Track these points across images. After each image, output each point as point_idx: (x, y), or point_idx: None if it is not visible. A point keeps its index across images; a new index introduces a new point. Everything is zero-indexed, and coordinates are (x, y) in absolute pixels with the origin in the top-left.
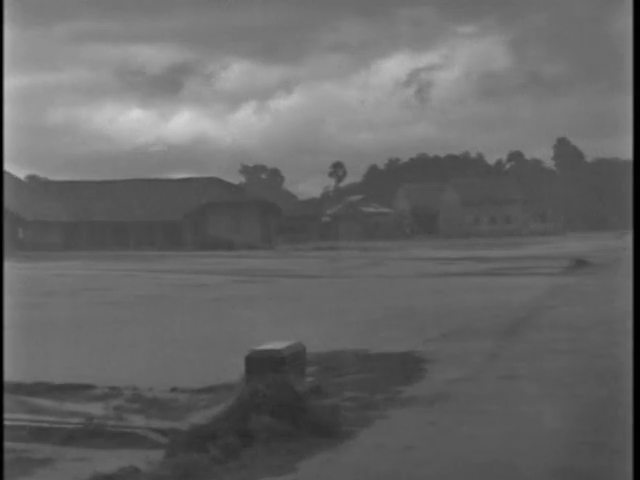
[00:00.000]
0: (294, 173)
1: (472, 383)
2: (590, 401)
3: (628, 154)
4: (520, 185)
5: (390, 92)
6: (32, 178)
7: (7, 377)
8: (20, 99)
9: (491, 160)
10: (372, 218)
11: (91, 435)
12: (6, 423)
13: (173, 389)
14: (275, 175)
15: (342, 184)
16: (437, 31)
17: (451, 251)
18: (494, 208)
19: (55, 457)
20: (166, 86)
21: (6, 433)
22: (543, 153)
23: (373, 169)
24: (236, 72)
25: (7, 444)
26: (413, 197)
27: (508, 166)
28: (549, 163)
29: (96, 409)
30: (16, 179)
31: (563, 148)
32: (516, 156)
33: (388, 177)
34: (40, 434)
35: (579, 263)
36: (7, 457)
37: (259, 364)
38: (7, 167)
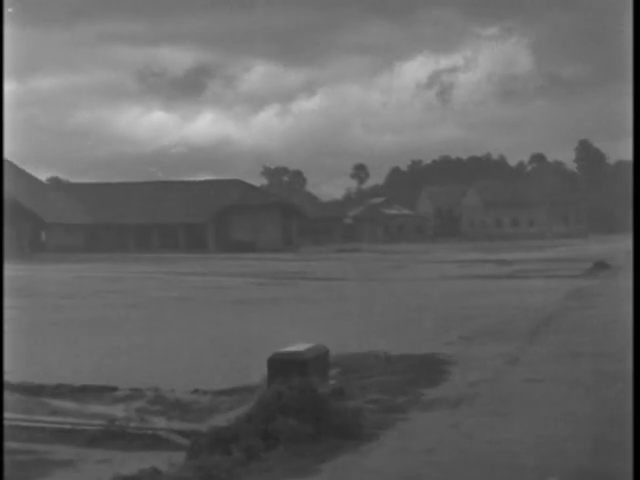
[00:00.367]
0: (316, 175)
1: (494, 385)
2: (613, 404)
3: None
4: (542, 187)
5: (412, 94)
6: (54, 180)
7: (30, 379)
8: (42, 101)
9: (513, 162)
10: (394, 220)
11: (113, 437)
12: (29, 424)
13: (195, 391)
14: (297, 177)
15: (364, 186)
16: (459, 33)
17: (473, 254)
18: (517, 211)
19: (77, 459)
20: (189, 88)
21: (28, 434)
22: (565, 155)
23: (395, 171)
24: (258, 74)
25: (29, 445)
26: (436, 199)
27: (530, 168)
28: (571, 165)
29: (118, 411)
30: (38, 181)
31: (585, 150)
32: (538, 158)
33: (410, 179)
34: (62, 436)
35: (601, 265)
36: (29, 458)
37: (281, 366)
38: (29, 169)
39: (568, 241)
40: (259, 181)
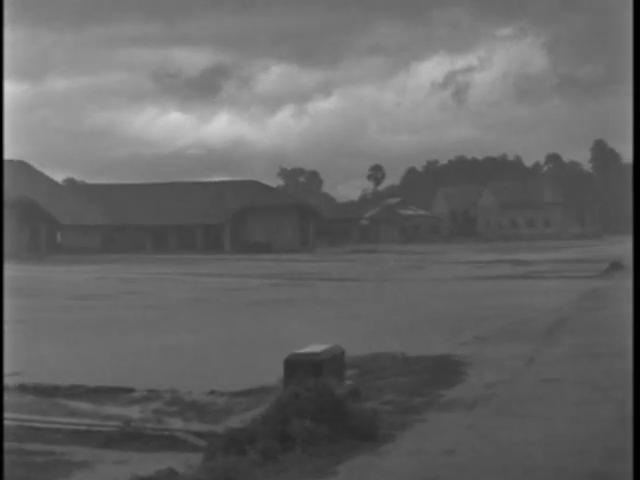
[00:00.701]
0: (332, 176)
1: (510, 386)
2: (630, 405)
3: None
4: (558, 188)
5: (428, 94)
6: (69, 181)
7: (47, 380)
8: (58, 103)
9: (529, 162)
10: (410, 221)
11: (130, 438)
12: (45, 426)
13: (211, 392)
14: (313, 178)
15: (380, 187)
16: (474, 33)
17: (489, 254)
18: (532, 211)
19: (94, 460)
20: (204, 89)
21: (45, 436)
22: (580, 155)
23: (411, 171)
24: (275, 75)
25: (46, 447)
26: (451, 200)
27: (545, 169)
28: (587, 166)
29: (134, 412)
30: (53, 182)
31: (600, 150)
32: (554, 159)
33: (426, 179)
34: (79, 437)
35: (616, 266)
36: (46, 459)
37: (298, 367)
38: (45, 170)
39: (583, 242)
40: (275, 182)
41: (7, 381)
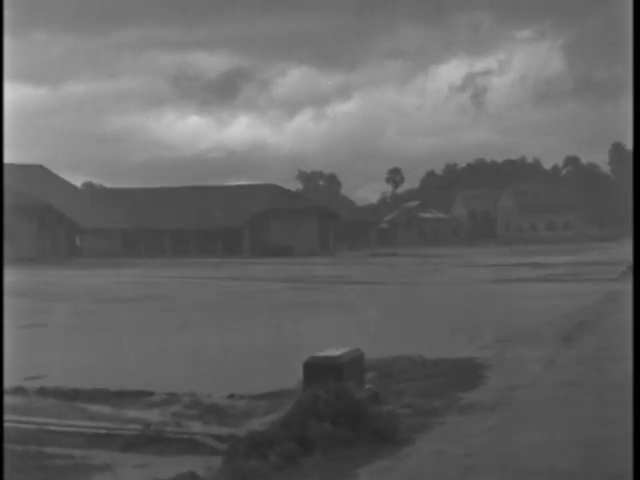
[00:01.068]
0: (352, 179)
1: (530, 389)
2: None
3: None
4: (577, 191)
5: (447, 97)
6: (88, 185)
7: (68, 383)
8: (77, 107)
9: (547, 165)
10: (429, 224)
11: (149, 441)
12: (65, 429)
13: (231, 395)
14: (333, 181)
15: (399, 190)
16: (493, 36)
17: (508, 257)
18: (551, 214)
19: (114, 463)
20: (224, 92)
21: (66, 439)
22: (599, 158)
23: (430, 174)
24: (294, 78)
25: (67, 450)
26: (471, 203)
27: (564, 171)
28: (605, 168)
29: (154, 415)
30: (73, 187)
31: (618, 153)
32: (572, 161)
33: (445, 182)
34: (99, 440)
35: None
36: (66, 463)
37: (317, 371)
38: (64, 175)
39: (602, 244)
40: (294, 185)
41: (27, 384)
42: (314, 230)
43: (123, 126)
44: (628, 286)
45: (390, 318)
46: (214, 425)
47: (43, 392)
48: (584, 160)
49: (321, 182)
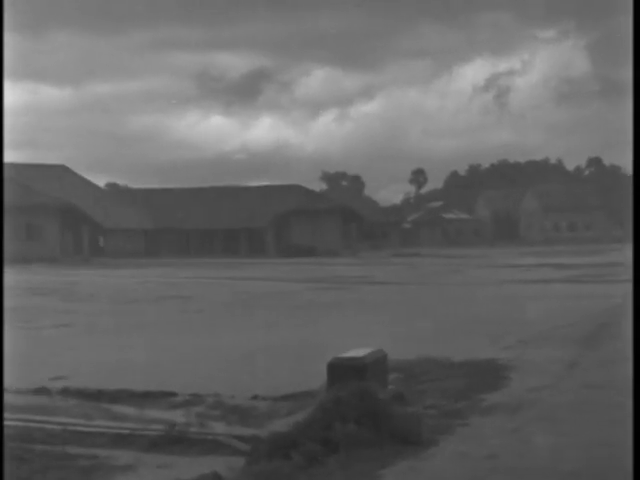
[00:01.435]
0: (375, 180)
1: (553, 391)
2: None
3: None
4: (599, 192)
5: (470, 97)
6: (112, 186)
7: (92, 384)
8: (101, 107)
9: (570, 166)
10: (453, 224)
11: (173, 442)
12: (89, 429)
13: (254, 396)
14: (356, 182)
15: (423, 190)
16: (517, 36)
17: (531, 258)
18: (574, 215)
19: (137, 464)
20: (247, 93)
21: (89, 439)
22: (622, 159)
23: (454, 175)
24: (317, 79)
25: (90, 450)
26: (494, 203)
27: (587, 172)
28: (628, 169)
29: (178, 416)
30: (96, 187)
31: None
32: (595, 162)
33: (469, 183)
34: (122, 441)
35: None
36: (90, 463)
37: (341, 371)
38: (87, 175)
39: (624, 245)
40: (318, 186)
41: (50, 385)
42: (337, 230)
43: (146, 126)
44: None
45: (412, 319)
46: (237, 426)
47: (66, 392)
48: (607, 161)
49: (344, 183)
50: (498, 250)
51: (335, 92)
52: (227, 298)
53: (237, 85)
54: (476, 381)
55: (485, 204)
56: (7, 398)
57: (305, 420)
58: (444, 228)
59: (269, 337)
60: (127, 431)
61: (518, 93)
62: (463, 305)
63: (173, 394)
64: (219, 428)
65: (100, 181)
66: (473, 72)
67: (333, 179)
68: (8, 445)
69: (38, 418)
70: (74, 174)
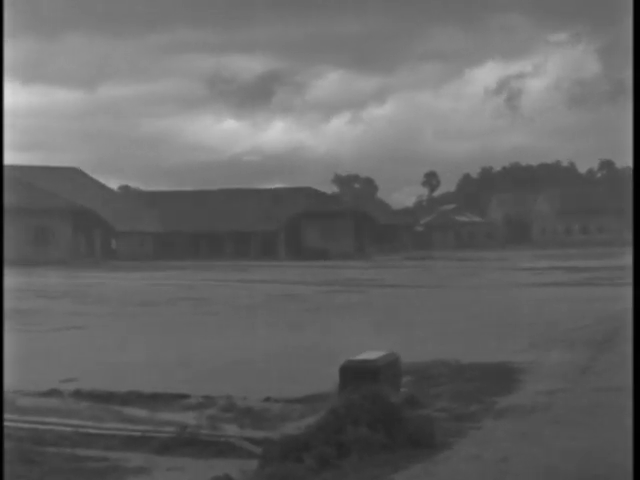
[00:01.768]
0: (388, 182)
1: (566, 394)
2: None
3: None
4: (612, 194)
5: (482, 100)
6: (125, 189)
7: (104, 386)
8: (114, 110)
9: (582, 169)
10: (465, 227)
11: (185, 444)
12: (100, 432)
13: (267, 399)
14: (369, 184)
15: (435, 193)
16: (528, 39)
17: (544, 261)
18: (586, 218)
19: (149, 466)
20: (260, 95)
21: (100, 442)
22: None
23: (466, 178)
24: (329, 81)
25: (101, 453)
26: (506, 206)
27: (599, 175)
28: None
29: (190, 418)
30: (108, 189)
31: None
32: (607, 165)
33: (481, 186)
34: (134, 443)
35: None
36: (101, 465)
37: (354, 374)
38: (100, 178)
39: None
40: (330, 189)
41: (62, 387)
42: (350, 233)
43: (159, 129)
44: None
45: (425, 322)
46: (250, 428)
47: (78, 394)
48: (619, 164)
49: (357, 185)
50: (510, 253)
51: (348, 95)
52: (239, 301)
53: (250, 87)
54: (489, 384)
55: (497, 207)
56: (20, 400)
57: (317, 423)
58: (456, 231)
59: (280, 339)
60: (139, 433)
61: (530, 96)
62: (475, 308)
63: (185, 396)
64: (231, 430)
65: (112, 184)
66: (486, 75)
67: (345, 182)
68: (20, 447)
69: (50, 420)
70: (87, 177)
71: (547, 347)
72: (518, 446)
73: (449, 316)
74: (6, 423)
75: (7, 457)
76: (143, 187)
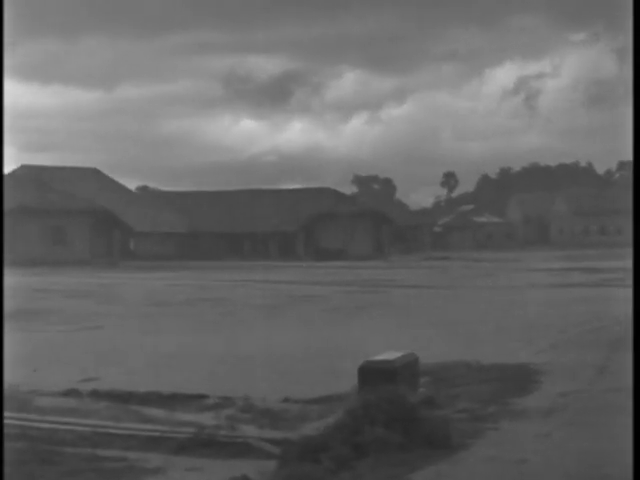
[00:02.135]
0: (406, 183)
1: (584, 395)
2: None
3: None
4: (630, 195)
5: (500, 100)
6: (143, 189)
7: (121, 386)
8: (132, 110)
9: (601, 169)
10: (484, 228)
11: (203, 445)
12: (119, 432)
13: (285, 399)
14: (387, 185)
15: (454, 194)
16: (547, 38)
17: (562, 262)
18: (604, 218)
19: (167, 466)
20: (278, 96)
21: (119, 442)
22: None
23: (485, 178)
24: (348, 82)
25: (120, 453)
26: (525, 207)
27: (617, 175)
28: None
29: (208, 419)
30: (127, 190)
31: None
32: (626, 165)
33: (500, 186)
34: (152, 443)
35: None
36: (119, 465)
37: (372, 375)
38: (118, 178)
39: None
40: (349, 189)
41: (81, 387)
42: (368, 234)
43: (177, 129)
44: None
45: (443, 322)
46: (268, 429)
47: (97, 394)
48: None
49: (376, 186)
50: (529, 254)
51: (366, 95)
52: (258, 301)
53: (269, 88)
54: (508, 385)
55: (516, 207)
56: (40, 400)
57: (335, 424)
58: (475, 232)
59: (299, 340)
60: (157, 433)
61: (548, 96)
62: (494, 309)
63: (203, 396)
64: (249, 431)
65: (131, 184)
66: (504, 75)
67: (364, 182)
68: (38, 447)
69: (69, 420)
70: (105, 177)
71: (566, 348)
72: (536, 447)
73: (467, 317)
74: (25, 423)
75: (25, 457)
76: (162, 187)
